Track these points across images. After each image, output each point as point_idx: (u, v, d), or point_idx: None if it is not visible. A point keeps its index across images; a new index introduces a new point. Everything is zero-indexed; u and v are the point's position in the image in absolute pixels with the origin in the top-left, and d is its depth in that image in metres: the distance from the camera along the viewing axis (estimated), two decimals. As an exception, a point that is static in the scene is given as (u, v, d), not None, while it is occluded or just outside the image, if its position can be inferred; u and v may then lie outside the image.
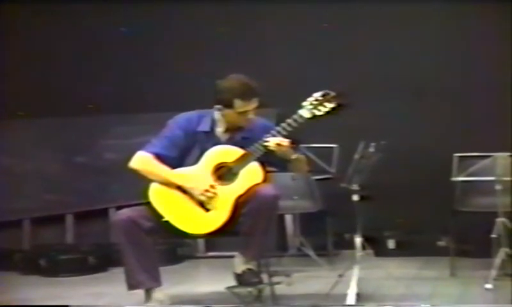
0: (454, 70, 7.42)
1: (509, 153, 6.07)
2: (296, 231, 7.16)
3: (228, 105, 4.96)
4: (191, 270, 7.17)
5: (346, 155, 5.82)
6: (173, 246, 7.28)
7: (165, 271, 5.11)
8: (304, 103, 4.96)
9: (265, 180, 4.92)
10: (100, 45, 8.00)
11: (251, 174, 4.91)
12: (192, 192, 4.93)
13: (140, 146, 5.08)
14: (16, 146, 7.85)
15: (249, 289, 5.04)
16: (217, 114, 5.05)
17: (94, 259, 7.03)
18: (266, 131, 4.94)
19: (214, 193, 4.90)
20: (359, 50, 7.61)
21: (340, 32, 7.65)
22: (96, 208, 7.68)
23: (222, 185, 4.94)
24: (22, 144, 7.86)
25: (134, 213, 4.97)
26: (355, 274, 5.27)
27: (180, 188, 4.96)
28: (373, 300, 5.29)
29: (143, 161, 5.01)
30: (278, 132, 4.90)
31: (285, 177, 6.29)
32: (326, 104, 4.95)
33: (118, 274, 5.21)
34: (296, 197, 6.71)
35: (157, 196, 4.98)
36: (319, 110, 4.95)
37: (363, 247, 5.40)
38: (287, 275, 6.04)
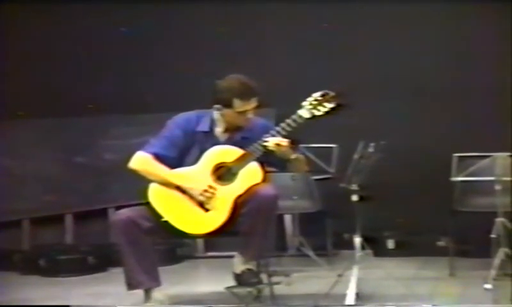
0: (454, 70, 7.41)
1: (508, 153, 6.07)
2: (295, 231, 7.17)
3: (227, 104, 4.96)
4: (191, 270, 7.16)
5: (346, 155, 5.82)
6: (173, 246, 7.28)
7: (164, 271, 5.11)
8: (303, 104, 4.97)
9: (264, 180, 4.92)
10: (100, 45, 8.00)
11: (251, 174, 4.91)
12: (191, 193, 4.93)
13: (140, 147, 5.09)
14: (15, 146, 7.84)
15: (249, 289, 5.05)
16: (216, 114, 5.05)
17: (93, 260, 7.03)
18: (266, 131, 4.94)
19: (213, 193, 4.90)
20: (359, 50, 7.61)
21: (340, 32, 7.65)
22: (96, 208, 7.68)
23: (221, 185, 4.94)
24: (21, 144, 7.86)
25: (133, 214, 4.97)
26: (354, 274, 5.27)
27: (180, 189, 4.97)
28: (372, 300, 5.30)
29: (142, 161, 5.02)
30: (278, 132, 4.91)
31: (284, 177, 6.27)
32: (326, 104, 4.96)
33: (117, 274, 5.22)
34: (295, 197, 6.71)
35: (156, 196, 4.98)
36: (319, 110, 4.95)
37: (363, 247, 5.40)
38: (286, 275, 6.05)
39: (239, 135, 5.04)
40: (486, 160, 5.99)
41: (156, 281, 4.99)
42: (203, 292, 5.89)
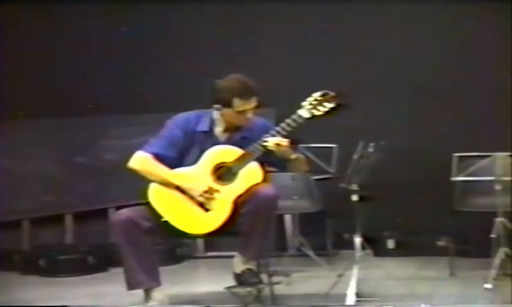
0: (454, 70, 7.42)
1: (508, 153, 6.07)
2: (295, 231, 7.17)
3: (227, 104, 4.96)
4: (191, 270, 7.17)
5: (345, 155, 5.82)
6: (173, 246, 7.28)
7: (164, 271, 5.11)
8: (303, 103, 4.96)
9: (264, 180, 4.92)
10: (100, 45, 8.00)
11: (251, 174, 4.91)
12: (191, 193, 4.93)
13: (140, 147, 5.08)
14: (15, 146, 7.84)
15: (249, 289, 5.04)
16: (216, 114, 5.05)
17: (93, 260, 7.03)
18: (265, 131, 4.94)
19: (213, 194, 4.89)
20: (359, 50, 7.61)
21: (340, 32, 7.65)
22: (96, 209, 7.68)
23: (221, 185, 4.93)
24: (21, 144, 7.86)
25: (133, 214, 4.97)
26: (354, 274, 5.27)
27: (179, 189, 4.96)
28: (372, 300, 5.29)
29: (141, 161, 5.01)
30: (278, 132, 4.90)
31: (284, 177, 6.29)
32: (325, 104, 4.95)
33: (117, 274, 5.21)
34: (295, 197, 6.70)
35: (156, 196, 4.98)
36: (318, 110, 4.95)
37: (363, 247, 5.40)
38: (287, 275, 6.05)
39: (238, 135, 5.03)
40: (486, 160, 5.99)
41: (156, 281, 4.99)
42: (203, 292, 5.89)
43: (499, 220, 5.88)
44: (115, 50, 7.99)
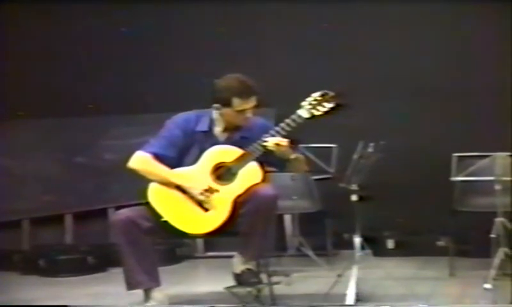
0: (454, 70, 7.41)
1: (508, 153, 6.06)
2: (295, 231, 7.16)
3: (227, 104, 4.95)
4: (190, 270, 7.17)
5: (345, 155, 5.81)
6: (172, 246, 7.28)
7: (164, 271, 5.11)
8: (303, 103, 4.96)
9: (264, 180, 4.92)
10: (100, 45, 8.00)
11: (250, 174, 4.90)
12: (191, 192, 4.93)
13: (140, 147, 5.08)
14: (15, 146, 7.85)
15: (248, 289, 5.04)
16: (215, 114, 5.05)
17: (93, 260, 7.03)
18: (265, 131, 4.94)
19: (213, 193, 4.89)
20: (359, 50, 7.61)
21: (340, 32, 7.65)
22: (96, 209, 7.69)
23: (221, 185, 4.93)
24: (21, 144, 7.87)
25: (133, 214, 4.97)
26: (354, 274, 5.27)
27: (179, 188, 4.96)
28: (372, 300, 5.30)
29: (141, 161, 5.01)
30: (277, 132, 4.90)
31: (284, 177, 6.29)
32: (325, 104, 4.95)
33: (117, 274, 5.21)
34: (295, 197, 6.70)
35: (156, 195, 4.98)
36: (318, 110, 4.95)
37: (362, 247, 5.40)
38: (286, 275, 6.05)
39: (238, 135, 5.03)
40: (486, 160, 5.99)
41: (156, 281, 4.99)
42: (202, 292, 5.89)
43: (499, 220, 5.88)
44: (115, 50, 7.99)
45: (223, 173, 4.96)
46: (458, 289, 5.76)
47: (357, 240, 5.40)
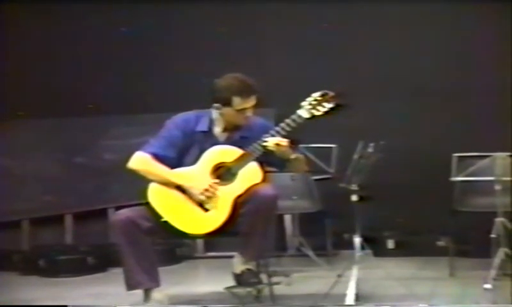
0: (454, 70, 7.41)
1: (508, 153, 6.06)
2: (295, 231, 7.16)
3: (227, 103, 4.95)
4: (190, 271, 7.17)
5: (345, 155, 5.81)
6: (172, 246, 7.28)
7: (164, 271, 5.10)
8: (303, 104, 4.96)
9: (264, 180, 4.91)
10: (100, 45, 8.00)
11: (250, 174, 4.90)
12: (191, 192, 4.92)
13: (140, 147, 5.08)
14: (15, 147, 7.85)
15: (248, 289, 5.04)
16: (215, 114, 5.04)
17: (93, 260, 7.03)
18: (265, 131, 4.93)
19: (213, 192, 4.89)
20: (359, 50, 7.61)
21: (340, 32, 7.65)
22: (96, 209, 7.69)
23: (221, 185, 4.93)
24: (21, 144, 7.87)
25: (133, 214, 4.96)
26: (354, 274, 5.27)
27: (179, 188, 4.96)
28: (372, 300, 5.29)
29: (141, 161, 5.01)
30: (277, 132, 4.89)
31: (284, 177, 6.29)
32: (325, 104, 4.94)
33: (117, 274, 5.21)
34: (295, 198, 6.70)
35: (155, 196, 4.97)
36: (318, 110, 4.94)
37: (362, 247, 5.39)
38: (286, 275, 6.05)
39: (237, 135, 5.03)
40: (486, 160, 5.98)
41: (155, 281, 4.99)
42: (202, 292, 5.88)
43: (499, 220, 5.87)
44: (115, 50, 7.99)
45: (223, 173, 4.96)
46: (458, 289, 5.75)
47: (357, 240, 5.40)
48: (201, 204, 4.93)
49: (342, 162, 6.19)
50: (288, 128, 4.91)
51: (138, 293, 5.01)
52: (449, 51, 7.44)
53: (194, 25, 7.90)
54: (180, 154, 5.03)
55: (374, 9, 7.52)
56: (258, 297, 5.12)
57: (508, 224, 5.89)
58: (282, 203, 5.42)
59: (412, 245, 7.21)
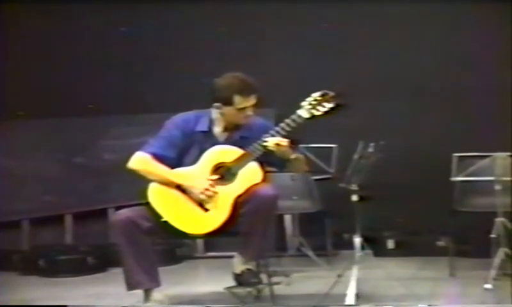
0: (454, 70, 7.41)
1: (508, 153, 6.06)
2: (295, 231, 7.16)
3: (228, 102, 4.95)
4: (190, 271, 7.17)
5: (345, 155, 5.81)
6: (172, 246, 7.28)
7: (164, 271, 5.10)
8: (303, 104, 4.95)
9: (264, 180, 4.91)
10: (100, 45, 8.00)
11: (250, 174, 4.90)
12: (191, 191, 4.92)
13: (140, 147, 5.08)
14: (15, 147, 7.85)
15: (249, 289, 5.05)
16: (215, 113, 5.04)
17: (93, 260, 7.03)
18: (265, 131, 4.93)
19: (214, 191, 4.89)
20: (359, 50, 7.61)
21: (340, 32, 7.65)
22: (96, 209, 7.69)
23: (221, 185, 4.93)
24: (21, 144, 7.87)
25: (133, 214, 4.96)
26: (354, 274, 5.27)
27: (179, 188, 4.96)
28: (372, 300, 5.29)
29: (141, 161, 5.01)
30: (277, 132, 4.89)
31: (284, 177, 6.30)
32: (325, 104, 4.94)
33: (117, 275, 5.21)
34: (295, 198, 6.71)
35: (156, 196, 4.97)
36: (318, 110, 4.94)
37: (362, 247, 5.39)
38: (286, 275, 6.06)
39: (237, 135, 5.03)
40: (486, 160, 5.99)
41: (155, 282, 4.98)
42: (202, 292, 5.88)
43: (499, 220, 5.88)
44: (115, 50, 7.99)
45: (223, 173, 4.95)
46: (458, 289, 5.75)
47: (357, 240, 5.39)
48: (201, 204, 4.92)
49: (342, 162, 6.19)
50: (288, 128, 4.90)
51: (138, 293, 5.01)
52: (449, 51, 7.44)
53: (194, 25, 7.90)
54: (180, 154, 5.03)
55: (374, 9, 7.52)
56: (258, 297, 5.12)
57: (508, 224, 5.90)
58: (282, 203, 5.42)
59: (412, 245, 7.21)
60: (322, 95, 4.96)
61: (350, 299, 5.18)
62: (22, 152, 7.86)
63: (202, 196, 4.90)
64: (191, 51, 7.87)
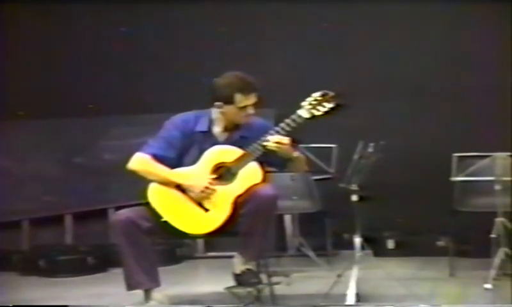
0: (454, 70, 7.42)
1: (508, 153, 6.06)
2: (295, 231, 7.16)
3: (229, 101, 4.94)
4: (190, 271, 7.17)
5: (345, 155, 5.81)
6: (172, 246, 7.28)
7: (164, 271, 5.10)
8: (303, 103, 4.95)
9: (264, 180, 4.90)
10: (100, 45, 8.00)
11: (250, 175, 4.89)
12: (191, 190, 4.92)
13: (140, 147, 5.08)
14: (15, 147, 7.85)
15: (249, 289, 5.03)
16: (215, 113, 5.04)
17: (93, 260, 7.03)
18: (265, 131, 4.92)
19: (213, 189, 4.89)
20: (359, 50, 7.61)
21: (340, 32, 7.65)
22: (96, 209, 7.69)
23: (221, 185, 4.93)
24: (21, 144, 7.87)
25: (132, 214, 4.96)
26: (354, 274, 5.27)
27: (179, 188, 4.95)
28: (372, 300, 5.29)
29: (141, 162, 5.01)
30: (277, 132, 4.88)
31: (284, 177, 6.29)
32: (325, 104, 4.94)
33: (117, 275, 5.21)
34: (295, 198, 6.70)
35: (155, 196, 4.97)
36: (318, 110, 4.93)
37: (362, 247, 5.39)
38: (286, 275, 6.06)
39: (237, 134, 5.02)
40: (486, 160, 5.99)
41: (155, 282, 4.98)
42: (202, 292, 5.88)
43: (499, 220, 5.88)
44: (115, 50, 7.98)
45: (223, 173, 4.95)
46: (458, 289, 5.75)
47: (357, 240, 5.40)
48: (201, 204, 4.92)
49: (342, 162, 6.19)
50: (288, 128, 4.90)
51: (138, 293, 5.01)
52: (449, 51, 7.44)
53: (194, 25, 7.90)
54: (179, 154, 5.02)
55: (374, 9, 7.53)
56: (258, 297, 5.11)
57: (508, 224, 5.90)
58: (282, 203, 5.42)
59: (412, 245, 7.21)
60: (322, 95, 4.95)
61: (350, 299, 5.18)
62: (22, 152, 7.86)
63: (202, 195, 4.89)
64: (191, 51, 7.87)
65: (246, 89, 4.94)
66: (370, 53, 7.58)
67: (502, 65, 7.20)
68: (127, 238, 4.90)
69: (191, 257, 7.49)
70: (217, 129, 5.05)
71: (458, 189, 6.36)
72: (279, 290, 5.39)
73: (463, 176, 6.10)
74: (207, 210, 4.92)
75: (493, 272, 5.69)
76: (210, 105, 5.06)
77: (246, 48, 7.74)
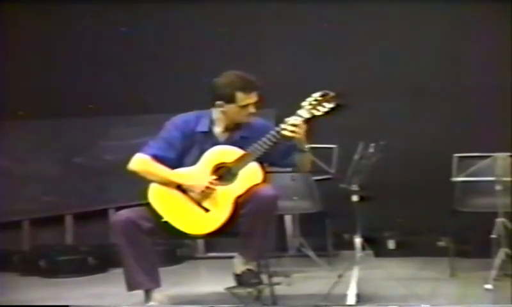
0: (454, 70, 7.41)
1: (508, 153, 6.06)
2: (296, 231, 7.16)
3: (230, 100, 4.94)
4: (191, 271, 7.16)
5: (346, 156, 5.81)
6: (173, 247, 7.28)
7: (164, 272, 5.10)
8: (303, 104, 4.95)
9: (264, 181, 4.90)
10: (100, 45, 8.00)
11: (251, 175, 4.89)
12: (192, 190, 4.92)
13: (140, 147, 5.08)
14: (15, 147, 7.84)
15: (249, 289, 5.03)
16: (216, 113, 5.03)
17: (93, 260, 7.03)
18: (265, 131, 4.92)
19: (213, 188, 4.88)
20: (359, 50, 7.61)
21: (340, 32, 7.65)
22: (96, 209, 7.69)
23: (221, 185, 4.93)
24: (21, 144, 7.86)
25: (133, 214, 4.96)
26: (355, 274, 5.27)
27: (180, 189, 4.95)
28: (373, 300, 5.30)
29: (141, 163, 5.00)
30: (277, 132, 4.89)
31: (284, 177, 6.28)
32: (325, 104, 4.93)
33: (117, 275, 5.20)
34: (295, 198, 6.70)
35: (156, 196, 4.97)
36: (318, 110, 4.93)
37: (363, 248, 5.40)
38: (287, 275, 6.06)
39: (238, 135, 5.02)
40: (486, 160, 5.99)
41: (156, 282, 4.98)
42: (203, 293, 5.89)
43: (499, 220, 5.89)
44: (115, 50, 7.98)
45: (224, 173, 4.95)
46: (459, 289, 5.75)
47: (358, 240, 5.40)
48: (201, 205, 4.92)
49: (343, 162, 6.18)
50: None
51: (139, 293, 5.01)
52: (449, 51, 7.44)
53: (194, 25, 7.90)
54: (180, 155, 5.02)
55: (374, 9, 7.52)
56: (258, 298, 5.11)
57: (508, 225, 5.90)
58: (283, 204, 5.42)
59: (413, 246, 7.21)
60: (322, 95, 4.95)
61: (351, 299, 5.18)
62: (22, 152, 7.86)
63: (203, 194, 4.88)
64: (191, 51, 7.87)
65: (247, 88, 4.94)
66: (370, 53, 7.57)
67: (502, 65, 7.20)
68: (127, 238, 4.90)
69: (191, 257, 7.49)
70: (217, 129, 5.05)
71: (458, 189, 6.36)
72: (279, 290, 5.40)
73: (463, 177, 6.10)
74: (207, 210, 4.92)
75: (493, 273, 5.69)
76: (210, 105, 5.06)
77: (246, 48, 7.73)
